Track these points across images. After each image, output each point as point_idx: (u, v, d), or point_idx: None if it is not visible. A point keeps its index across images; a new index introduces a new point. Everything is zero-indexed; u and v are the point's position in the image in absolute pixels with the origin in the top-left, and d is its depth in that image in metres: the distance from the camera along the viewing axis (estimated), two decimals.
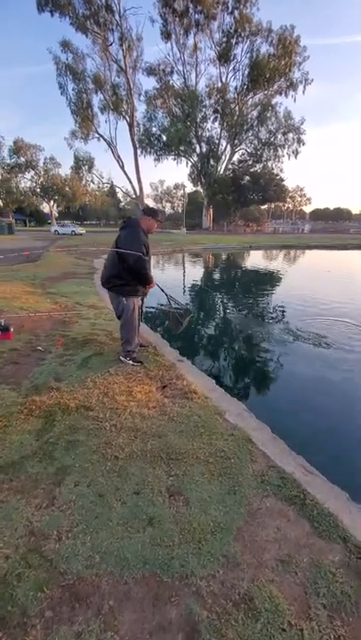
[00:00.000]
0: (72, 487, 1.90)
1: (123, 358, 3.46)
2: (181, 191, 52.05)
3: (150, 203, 73.42)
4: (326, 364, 4.13)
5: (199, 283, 10.84)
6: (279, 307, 7.37)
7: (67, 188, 46.69)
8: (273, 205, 69.87)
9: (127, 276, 3.18)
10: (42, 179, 46.20)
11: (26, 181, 46.28)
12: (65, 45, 33.80)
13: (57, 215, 58.92)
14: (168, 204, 77.16)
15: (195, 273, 13.23)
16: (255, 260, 18.25)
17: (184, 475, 1.99)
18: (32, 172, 45.65)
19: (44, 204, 52.00)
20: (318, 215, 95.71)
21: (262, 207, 63.53)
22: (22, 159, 43.95)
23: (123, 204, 72.55)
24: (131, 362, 3.42)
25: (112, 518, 1.71)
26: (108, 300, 3.63)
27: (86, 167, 43.25)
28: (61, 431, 2.37)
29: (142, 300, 3.61)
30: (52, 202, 50.02)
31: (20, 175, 44.96)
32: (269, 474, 2.03)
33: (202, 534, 1.63)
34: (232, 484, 1.94)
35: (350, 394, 3.55)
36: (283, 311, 6.91)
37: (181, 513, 1.75)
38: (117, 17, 33.26)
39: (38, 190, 47.10)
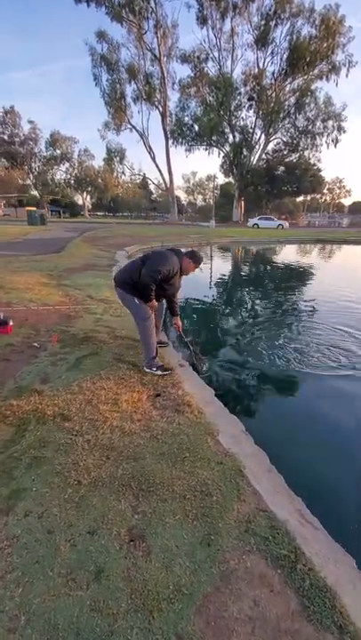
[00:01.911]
0: (21, 517, 1.63)
1: (147, 369, 3.14)
2: (213, 183, 50.65)
3: (182, 195, 72.97)
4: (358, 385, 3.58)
5: (223, 278, 10.37)
6: (307, 310, 6.80)
7: (99, 180, 47.23)
8: (309, 198, 66.88)
9: (138, 282, 2.99)
10: (76, 170, 47.04)
11: (61, 173, 47.29)
12: (100, 36, 33.69)
13: (90, 207, 59.97)
14: (200, 196, 76.04)
15: (220, 267, 12.74)
16: (284, 255, 17.41)
17: (153, 513, 1.67)
18: (67, 164, 46.53)
19: (78, 196, 52.97)
20: (359, 208, 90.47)
21: (297, 200, 60.90)
22: (58, 151, 44.86)
23: (155, 195, 72.47)
24: (159, 372, 3.08)
25: (54, 566, 1.42)
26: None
27: (118, 159, 43.39)
28: (30, 444, 2.12)
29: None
30: (85, 193, 50.83)
31: (55, 167, 45.96)
32: (257, 520, 1.65)
33: (156, 601, 1.30)
34: (208, 532, 1.59)
35: None
36: (311, 314, 6.36)
37: (138, 567, 1.42)
38: (153, 4, 32.61)
39: (72, 182, 47.97)
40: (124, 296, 3.07)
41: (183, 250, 3.17)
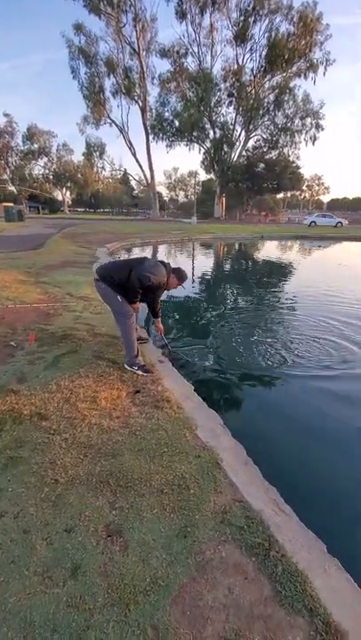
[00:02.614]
0: None
1: (128, 367, 3.13)
2: (195, 179, 50.66)
3: (163, 191, 72.56)
4: (337, 377, 3.68)
5: (205, 275, 10.42)
6: (290, 303, 6.93)
7: (79, 175, 46.33)
8: (289, 194, 67.93)
9: (127, 283, 2.93)
10: (54, 165, 45.96)
11: (39, 168, 46.10)
12: (78, 28, 32.82)
13: (70, 203, 58.76)
14: (182, 193, 75.84)
15: (202, 264, 12.78)
16: (266, 251, 17.64)
17: (130, 508, 1.68)
18: (45, 159, 45.39)
19: (57, 192, 51.80)
20: (337, 205, 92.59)
21: (278, 196, 61.67)
22: (35, 146, 43.67)
23: (136, 191, 71.74)
24: (140, 371, 3.08)
25: (30, 564, 1.41)
26: None
27: (97, 153, 42.64)
28: (5, 444, 2.09)
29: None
30: (64, 189, 49.75)
31: (33, 162, 44.76)
32: (233, 511, 1.69)
33: (133, 594, 1.31)
34: (185, 524, 1.61)
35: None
36: (293, 308, 6.48)
37: (115, 561, 1.43)
38: None
39: (51, 177, 46.87)
40: (105, 292, 3.01)
41: (171, 265, 3.13)
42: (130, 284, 2.83)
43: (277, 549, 1.50)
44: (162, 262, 3.10)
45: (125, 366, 3.15)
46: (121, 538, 1.54)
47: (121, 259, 3.34)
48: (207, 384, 3.47)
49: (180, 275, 3.13)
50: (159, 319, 3.53)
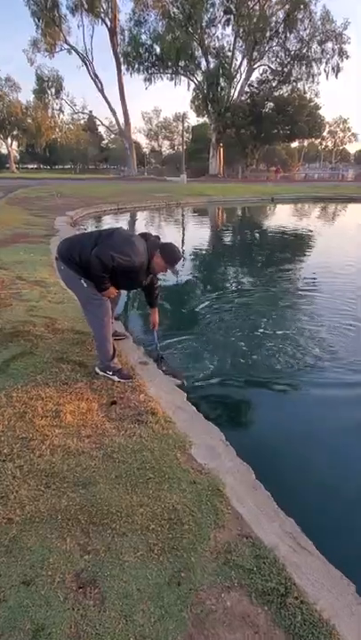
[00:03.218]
0: None
1: (100, 371, 3.12)
2: (184, 125, 50.19)
3: (142, 140, 71.88)
4: None
5: (200, 249, 10.43)
6: (309, 284, 7.00)
7: (28, 120, 45.40)
8: (306, 143, 67.96)
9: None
10: None
11: None
12: None
13: (18, 158, 57.71)
14: (166, 142, 75.30)
15: (195, 235, 12.77)
16: (278, 217, 17.71)
17: (107, 551, 1.70)
18: None
19: (1, 144, 50.79)
20: None
21: (292, 145, 61.79)
22: None
23: (106, 141, 70.93)
24: (116, 377, 3.08)
25: None
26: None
27: (53, 90, 41.95)
28: None
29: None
30: (9, 139, 48.75)
31: None
32: (239, 549, 1.73)
33: None
34: (178, 568, 1.64)
35: None
36: (315, 290, 6.55)
37: (89, 619, 1.45)
38: None
39: None
40: (67, 275, 2.97)
41: (160, 239, 3.00)
42: (90, 266, 2.76)
43: (296, 595, 1.54)
44: (143, 235, 3.01)
45: (97, 371, 3.15)
46: (96, 589, 1.55)
47: (88, 231, 3.27)
48: (204, 390, 3.51)
49: (170, 253, 2.95)
50: (155, 309, 3.52)
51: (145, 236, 3.01)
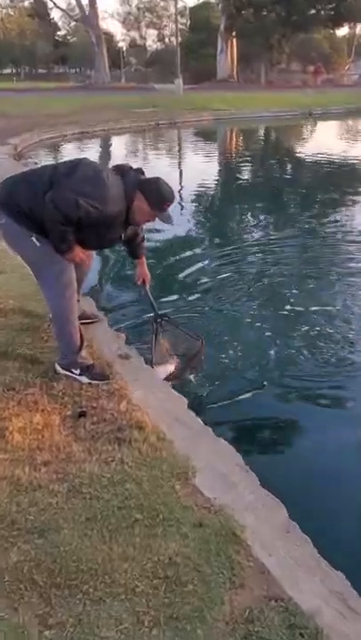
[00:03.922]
0: None
1: (62, 370, 3.18)
2: (177, 5, 49.12)
3: (117, 30, 70.40)
4: None
5: (205, 189, 10.36)
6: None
7: None
8: (359, 30, 66.80)
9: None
10: None
11: None
12: None
13: None
14: (152, 33, 73.81)
15: (198, 169, 12.66)
16: (319, 140, 17.54)
17: (77, 624, 1.72)
18: None
19: None
20: None
21: (338, 34, 60.76)
22: None
23: (63, 32, 69.75)
24: (85, 378, 3.12)
25: None
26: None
27: None
28: None
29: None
30: None
31: None
32: (266, 617, 1.75)
33: None
34: None
35: None
36: None
37: None
38: None
39: None
40: (10, 230, 2.97)
41: (143, 174, 3.02)
42: (46, 218, 2.76)
43: None
44: (119, 170, 3.01)
45: (58, 369, 3.19)
46: None
47: (40, 166, 3.24)
48: (213, 395, 3.54)
49: (156, 193, 2.97)
50: (143, 260, 3.52)
51: (121, 169, 3.00)
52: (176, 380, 3.59)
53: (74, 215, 2.70)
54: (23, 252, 3.09)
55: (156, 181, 3.01)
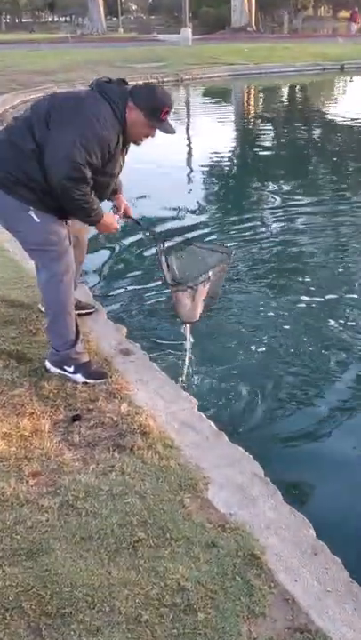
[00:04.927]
0: None
1: (53, 367, 3.21)
2: None
3: None
4: None
5: (217, 158, 10.35)
6: None
7: None
8: None
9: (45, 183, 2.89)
10: None
11: None
12: None
13: None
14: None
15: (211, 135, 12.63)
16: (354, 101, 17.44)
17: None
18: None
19: None
20: None
21: None
22: None
23: None
24: (80, 376, 3.15)
25: None
26: None
27: None
28: None
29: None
30: None
31: None
32: None
33: None
34: None
35: None
36: None
37: None
38: None
39: None
40: (2, 204, 2.96)
41: (127, 83, 2.98)
42: (56, 189, 2.77)
43: None
44: (98, 86, 2.95)
45: (49, 366, 3.22)
46: None
47: (15, 123, 3.19)
48: (227, 394, 3.56)
49: (150, 97, 2.93)
50: (120, 195, 3.45)
51: (100, 86, 2.93)
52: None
53: (80, 160, 2.70)
54: (19, 230, 3.09)
55: (148, 86, 3.06)
